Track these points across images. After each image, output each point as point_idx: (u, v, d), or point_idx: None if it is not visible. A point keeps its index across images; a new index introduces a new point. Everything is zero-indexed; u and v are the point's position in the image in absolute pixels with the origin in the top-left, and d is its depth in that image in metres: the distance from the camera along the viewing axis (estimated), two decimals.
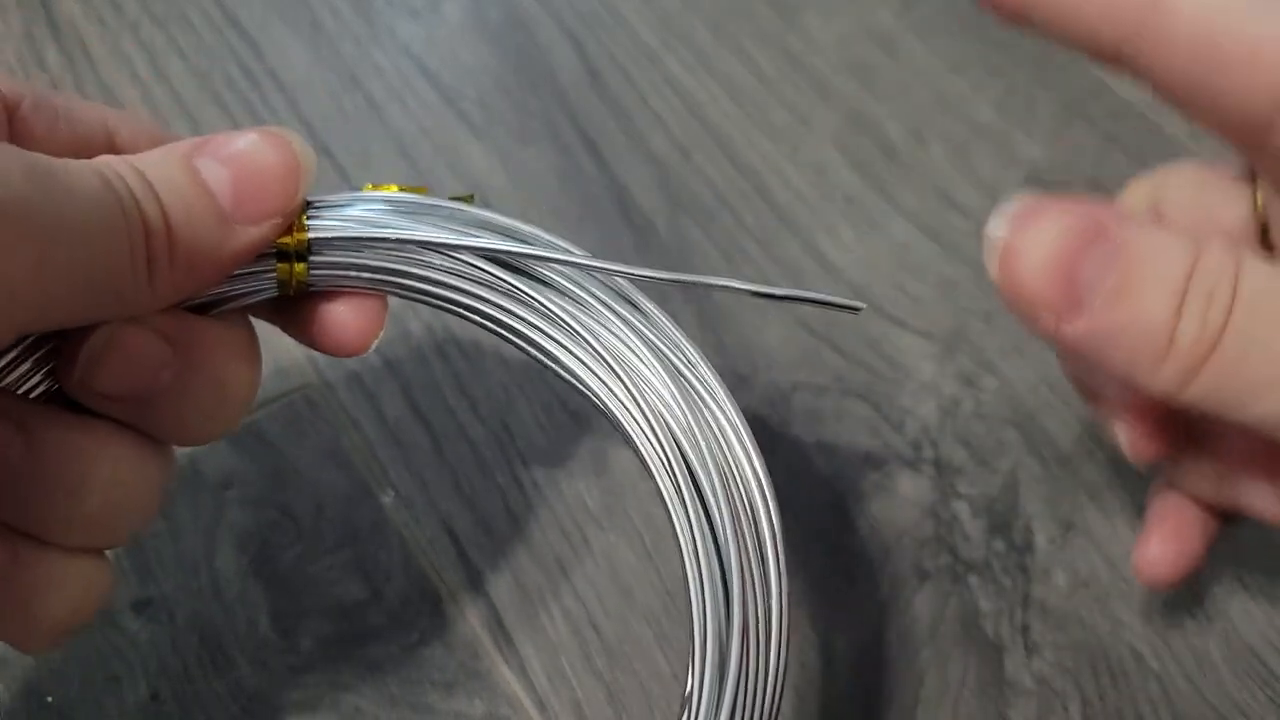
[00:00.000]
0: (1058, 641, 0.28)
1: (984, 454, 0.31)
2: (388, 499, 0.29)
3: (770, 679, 0.20)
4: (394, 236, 0.21)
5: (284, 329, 0.22)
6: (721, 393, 0.22)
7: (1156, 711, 0.27)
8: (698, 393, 0.22)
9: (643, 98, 0.38)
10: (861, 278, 0.34)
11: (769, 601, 0.20)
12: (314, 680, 0.27)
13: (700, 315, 0.33)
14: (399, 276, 0.22)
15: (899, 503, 0.30)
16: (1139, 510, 0.30)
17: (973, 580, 0.29)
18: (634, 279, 0.22)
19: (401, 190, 0.22)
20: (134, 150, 0.20)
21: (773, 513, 0.21)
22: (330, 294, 0.21)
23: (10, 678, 0.26)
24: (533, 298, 0.22)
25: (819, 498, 0.30)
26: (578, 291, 0.22)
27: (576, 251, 0.22)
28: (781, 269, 0.34)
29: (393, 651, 0.27)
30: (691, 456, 0.21)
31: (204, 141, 0.19)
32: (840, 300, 0.22)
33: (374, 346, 0.22)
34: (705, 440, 0.21)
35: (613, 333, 0.22)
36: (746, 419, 0.21)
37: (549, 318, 0.22)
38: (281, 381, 0.31)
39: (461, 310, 0.22)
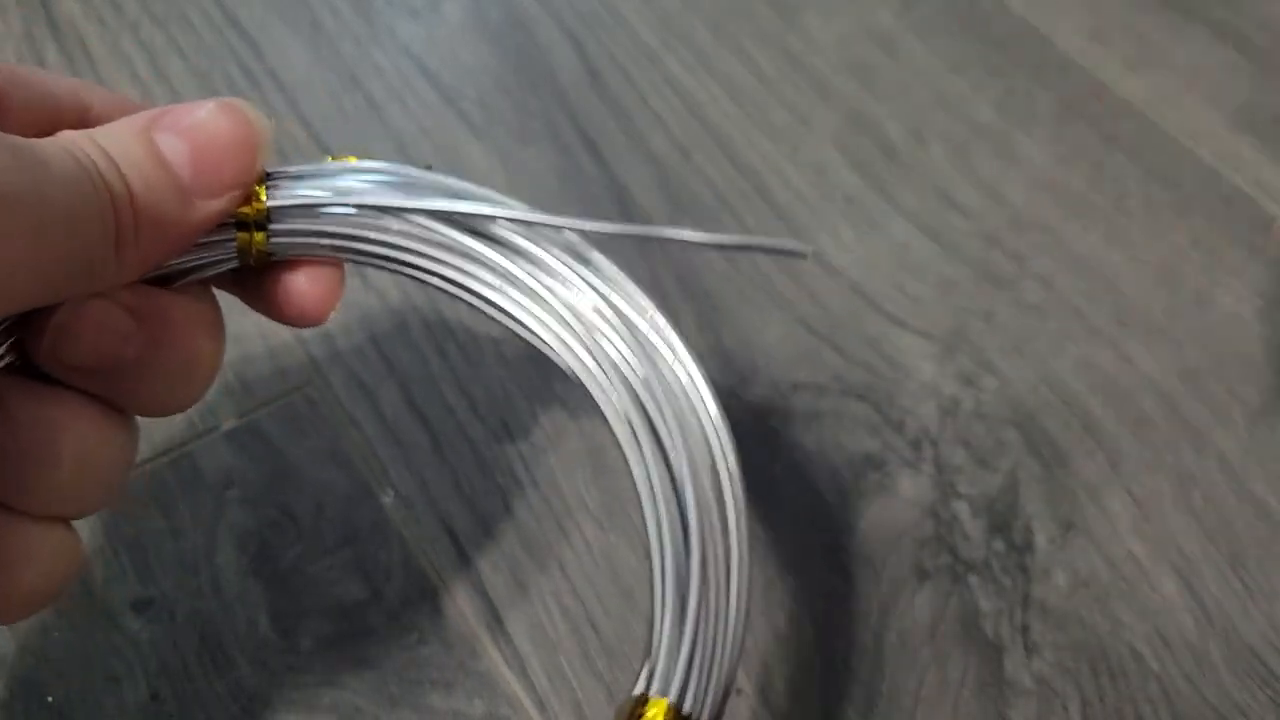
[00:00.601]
0: (1057, 641, 0.28)
1: (984, 454, 0.31)
2: (387, 499, 0.29)
3: (732, 618, 0.20)
4: (351, 202, 0.21)
5: (246, 301, 0.22)
6: (677, 340, 0.22)
7: (1156, 711, 0.27)
8: (651, 340, 0.22)
9: (643, 98, 0.38)
10: (861, 277, 0.34)
11: (729, 541, 0.20)
12: (314, 680, 0.27)
13: (700, 316, 0.33)
14: (357, 242, 0.22)
15: (899, 502, 0.30)
16: (1139, 510, 0.30)
17: (973, 580, 0.29)
18: (585, 233, 0.23)
19: (360, 160, 0.22)
20: (107, 121, 0.20)
21: (729, 455, 0.21)
22: (289, 265, 0.22)
23: (10, 677, 0.26)
24: (487, 256, 0.22)
25: (819, 497, 0.30)
26: (533, 249, 0.22)
27: (527, 208, 0.22)
28: (781, 268, 0.34)
29: (392, 651, 0.27)
30: (647, 402, 0.21)
31: (161, 114, 0.19)
32: (788, 245, 0.22)
33: (331, 316, 0.22)
34: (661, 386, 0.21)
35: (567, 285, 0.22)
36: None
37: (503, 275, 0.22)
38: (281, 381, 0.31)
39: (418, 273, 0.23)
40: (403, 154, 0.36)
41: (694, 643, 0.19)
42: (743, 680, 0.27)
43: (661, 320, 0.22)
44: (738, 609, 0.20)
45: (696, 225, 0.35)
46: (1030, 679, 0.27)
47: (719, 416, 0.21)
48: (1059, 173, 0.37)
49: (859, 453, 0.31)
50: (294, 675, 0.27)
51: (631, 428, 0.21)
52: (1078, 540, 0.30)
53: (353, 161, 0.22)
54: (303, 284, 0.22)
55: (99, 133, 0.19)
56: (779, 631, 0.28)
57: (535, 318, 0.22)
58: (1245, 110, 0.38)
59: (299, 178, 0.22)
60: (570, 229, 0.22)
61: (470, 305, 0.23)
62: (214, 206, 0.19)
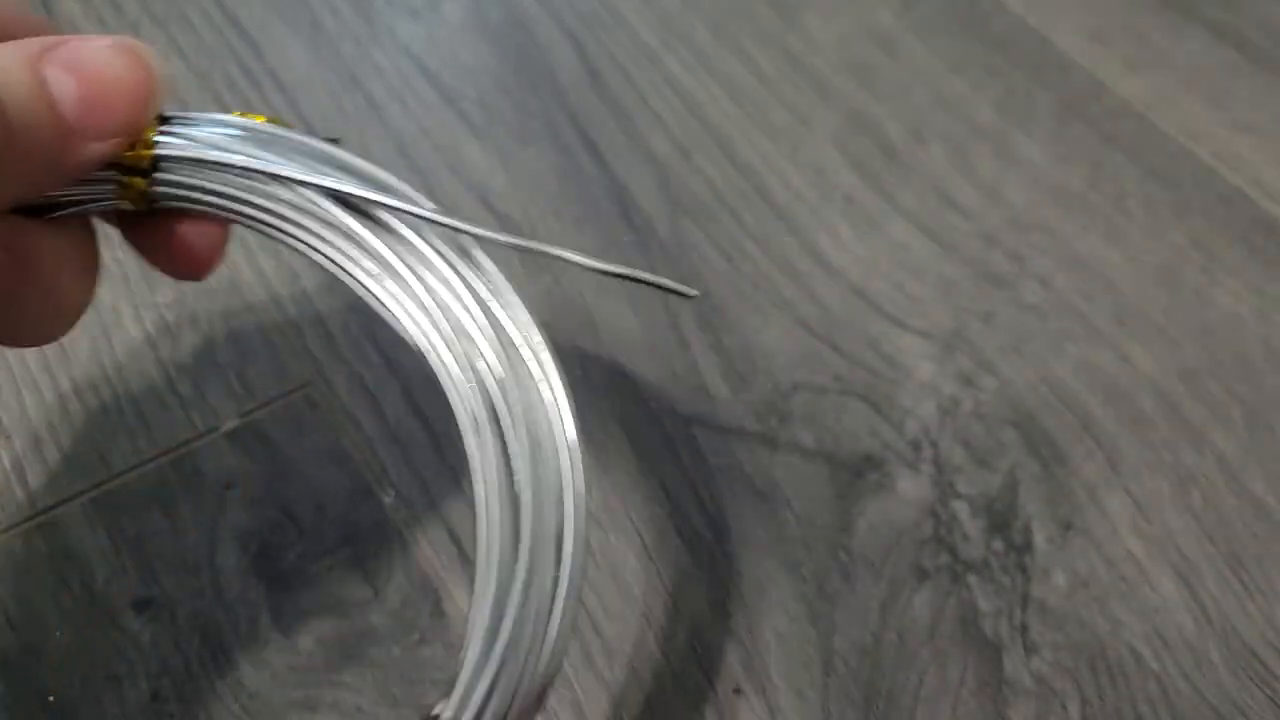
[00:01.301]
0: (1057, 641, 0.28)
1: (983, 454, 0.31)
2: (388, 498, 0.30)
3: (546, 654, 0.20)
4: (240, 164, 0.21)
5: (132, 245, 0.22)
6: (549, 359, 0.21)
7: (1155, 711, 0.27)
8: (523, 355, 0.21)
9: (643, 98, 0.38)
10: (861, 277, 0.34)
11: (560, 571, 0.20)
12: (315, 679, 0.27)
13: (700, 316, 0.33)
14: (242, 205, 0.21)
15: (898, 502, 0.30)
16: (1138, 510, 0.30)
17: (972, 580, 0.29)
18: (479, 238, 0.22)
19: (267, 121, 0.22)
20: (12, 35, 0.19)
21: (578, 483, 0.21)
22: (176, 216, 0.21)
23: (11, 677, 0.26)
24: (369, 243, 0.22)
25: (818, 497, 0.30)
26: (419, 244, 0.22)
27: (422, 201, 0.22)
28: (781, 269, 0.34)
29: (393, 651, 0.27)
30: (503, 415, 0.21)
31: (56, 44, 0.18)
32: (673, 285, 0.22)
33: (211, 274, 0.22)
34: (522, 402, 0.21)
35: (447, 286, 0.22)
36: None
37: (383, 264, 0.22)
38: (282, 381, 0.31)
39: (300, 245, 0.22)
40: (403, 154, 0.36)
41: (499, 672, 0.19)
42: (741, 679, 0.27)
43: (538, 336, 0.22)
44: (555, 644, 0.20)
45: (696, 225, 0.35)
46: (1030, 678, 0.27)
47: (575, 443, 0.21)
48: (1058, 173, 0.37)
49: (858, 452, 0.31)
50: (295, 675, 0.27)
51: (480, 437, 0.21)
52: (1077, 540, 0.30)
53: (258, 121, 0.22)
54: (185, 237, 0.21)
55: None
56: (778, 630, 0.28)
57: (407, 313, 0.22)
58: (1245, 110, 0.38)
59: (197, 125, 0.21)
60: (461, 230, 0.22)
61: (347, 286, 0.22)
62: (95, 150, 0.19)
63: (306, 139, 0.22)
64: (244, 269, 0.34)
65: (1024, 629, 0.28)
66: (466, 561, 0.29)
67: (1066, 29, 0.41)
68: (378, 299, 0.22)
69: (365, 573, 0.28)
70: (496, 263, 0.22)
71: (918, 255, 0.35)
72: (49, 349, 0.32)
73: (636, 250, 0.35)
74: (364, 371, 0.32)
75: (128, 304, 0.33)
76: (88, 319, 0.33)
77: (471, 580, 0.28)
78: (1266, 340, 0.33)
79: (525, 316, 0.22)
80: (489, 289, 0.22)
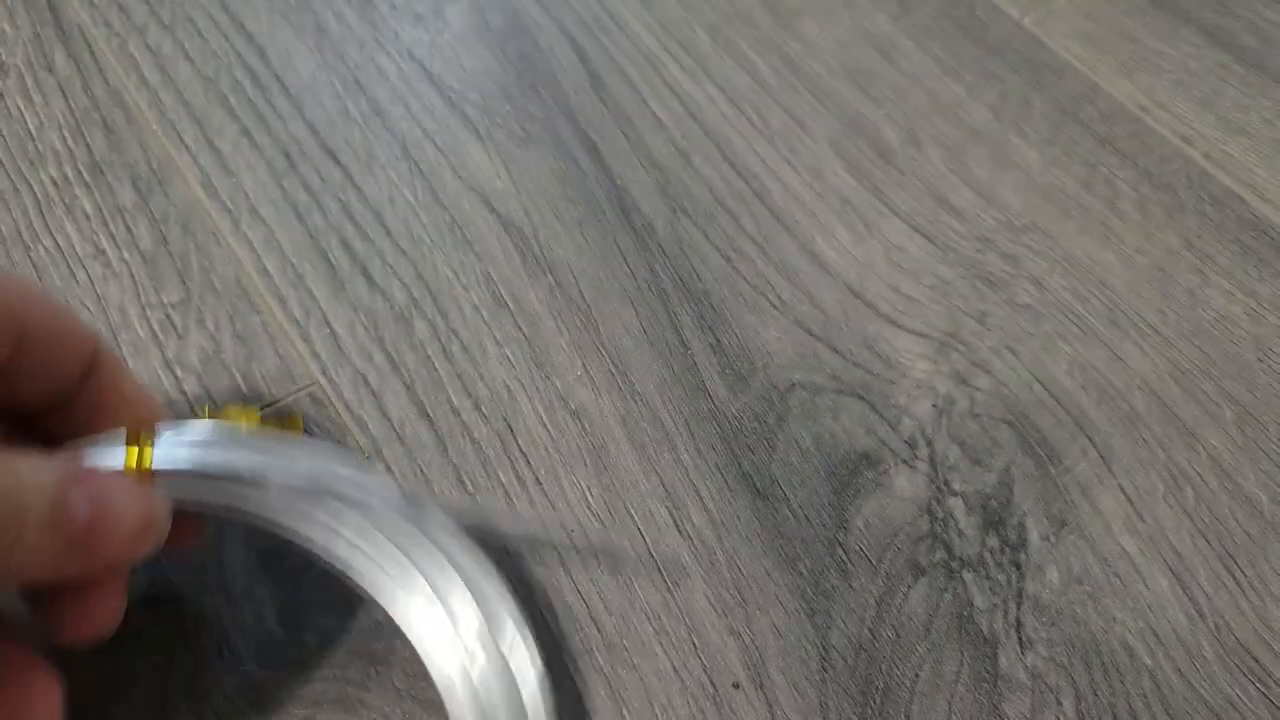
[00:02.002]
0: (1051, 637, 0.28)
1: (978, 452, 0.31)
2: None
3: None
4: (221, 473, 0.24)
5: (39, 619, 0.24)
6: (526, 660, 0.25)
7: (1149, 706, 0.27)
8: (503, 652, 0.25)
9: (643, 101, 0.39)
10: (858, 278, 0.35)
11: None
12: (320, 675, 0.27)
13: (699, 316, 0.34)
14: (223, 509, 0.25)
15: (894, 500, 0.30)
16: (1131, 507, 0.31)
17: (967, 576, 0.29)
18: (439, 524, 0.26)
19: (233, 418, 0.25)
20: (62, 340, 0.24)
21: None
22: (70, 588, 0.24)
23: None
24: (341, 530, 0.25)
25: (816, 494, 0.30)
26: (394, 526, 0.26)
27: (388, 494, 0.25)
28: (779, 269, 0.35)
29: (397, 646, 0.27)
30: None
31: (87, 474, 0.22)
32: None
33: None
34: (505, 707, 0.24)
35: (420, 570, 0.25)
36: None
37: (355, 548, 0.25)
38: (288, 381, 0.31)
39: (285, 534, 0.25)
40: (406, 157, 0.37)
41: None
42: (740, 674, 0.27)
43: (517, 637, 0.25)
44: None
45: (695, 227, 0.35)
46: (1025, 674, 0.28)
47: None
48: (1053, 175, 0.37)
49: (855, 450, 0.31)
50: (300, 670, 0.27)
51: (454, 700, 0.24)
52: (1071, 537, 0.30)
53: (231, 422, 0.25)
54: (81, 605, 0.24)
55: (24, 463, 0.21)
56: (776, 626, 0.28)
57: (386, 593, 0.25)
58: (1237, 112, 0.39)
59: (181, 433, 0.24)
60: (417, 518, 0.25)
61: (333, 569, 0.25)
62: (88, 565, 0.22)
63: (264, 443, 0.25)
64: (248, 269, 0.34)
65: (1019, 625, 0.28)
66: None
67: (1061, 33, 0.41)
68: (354, 569, 0.25)
69: None
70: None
71: (914, 256, 0.35)
72: None
73: (636, 251, 0.35)
74: (368, 371, 0.32)
75: (134, 304, 0.33)
76: (95, 318, 0.33)
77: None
78: (1259, 340, 0.34)
79: (507, 618, 0.25)
80: (474, 588, 0.25)
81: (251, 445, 0.25)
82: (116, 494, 0.22)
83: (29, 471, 0.21)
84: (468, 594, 0.25)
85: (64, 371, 0.24)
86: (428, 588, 0.25)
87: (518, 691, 0.25)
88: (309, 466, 0.25)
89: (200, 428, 0.24)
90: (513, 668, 0.25)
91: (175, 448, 0.24)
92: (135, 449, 0.24)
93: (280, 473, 0.25)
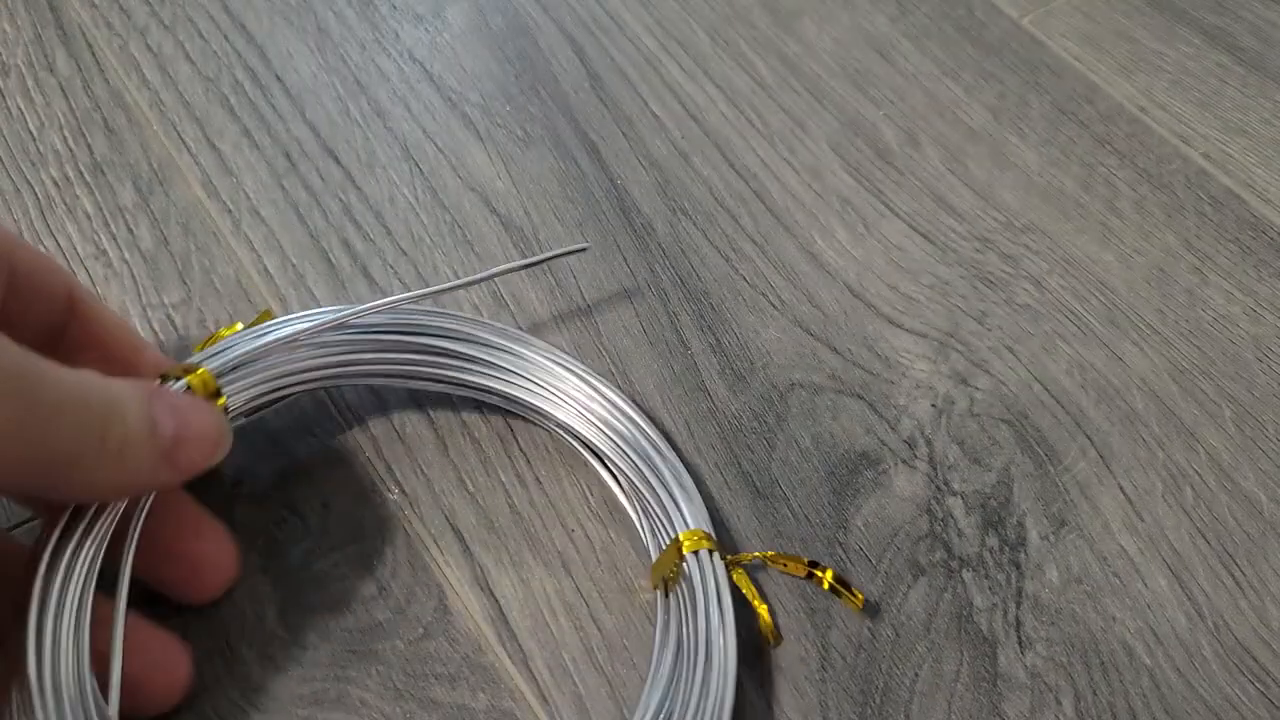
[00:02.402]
0: (1051, 636, 0.28)
1: (977, 451, 0.31)
2: (393, 495, 0.30)
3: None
4: (273, 339, 0.27)
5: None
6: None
7: (1149, 706, 0.27)
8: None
9: (643, 102, 0.39)
10: (857, 278, 0.35)
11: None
12: (320, 675, 0.27)
13: (699, 316, 0.34)
14: (295, 374, 0.28)
15: (894, 500, 0.30)
16: (1131, 507, 0.31)
17: (967, 576, 0.29)
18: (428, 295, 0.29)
19: (251, 325, 0.28)
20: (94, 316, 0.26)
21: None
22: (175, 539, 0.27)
23: None
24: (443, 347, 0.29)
25: (815, 494, 0.30)
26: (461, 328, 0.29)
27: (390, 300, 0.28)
28: (778, 270, 0.35)
29: (397, 646, 0.28)
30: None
31: (163, 390, 0.24)
32: (565, 250, 0.32)
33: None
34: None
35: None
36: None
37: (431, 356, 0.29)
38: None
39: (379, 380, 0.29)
40: (407, 157, 0.37)
41: None
42: (740, 673, 0.28)
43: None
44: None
45: (695, 227, 0.35)
46: (1024, 673, 0.28)
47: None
48: (1051, 175, 0.37)
49: (854, 450, 0.31)
50: (300, 670, 0.27)
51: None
52: (1070, 537, 0.30)
53: (246, 326, 0.28)
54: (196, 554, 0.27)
55: (122, 386, 0.22)
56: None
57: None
58: (1236, 112, 0.39)
59: (229, 349, 0.27)
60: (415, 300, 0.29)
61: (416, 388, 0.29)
62: (176, 478, 0.23)
63: (278, 322, 0.28)
64: (249, 269, 0.34)
65: (1018, 624, 0.28)
66: (470, 557, 0.29)
67: (1059, 33, 0.41)
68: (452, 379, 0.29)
69: (370, 569, 0.29)
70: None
71: (913, 256, 0.35)
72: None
73: (636, 251, 0.35)
74: None
75: (135, 304, 0.33)
76: None
77: (474, 575, 0.29)
78: (1258, 340, 0.34)
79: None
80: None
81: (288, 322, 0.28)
82: (191, 408, 0.24)
83: (118, 388, 0.22)
84: None
85: (51, 309, 0.25)
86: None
87: None
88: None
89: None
90: None
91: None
92: (197, 373, 0.26)
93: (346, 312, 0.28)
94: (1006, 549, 0.30)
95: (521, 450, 0.31)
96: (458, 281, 0.29)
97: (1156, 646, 0.28)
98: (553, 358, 0.29)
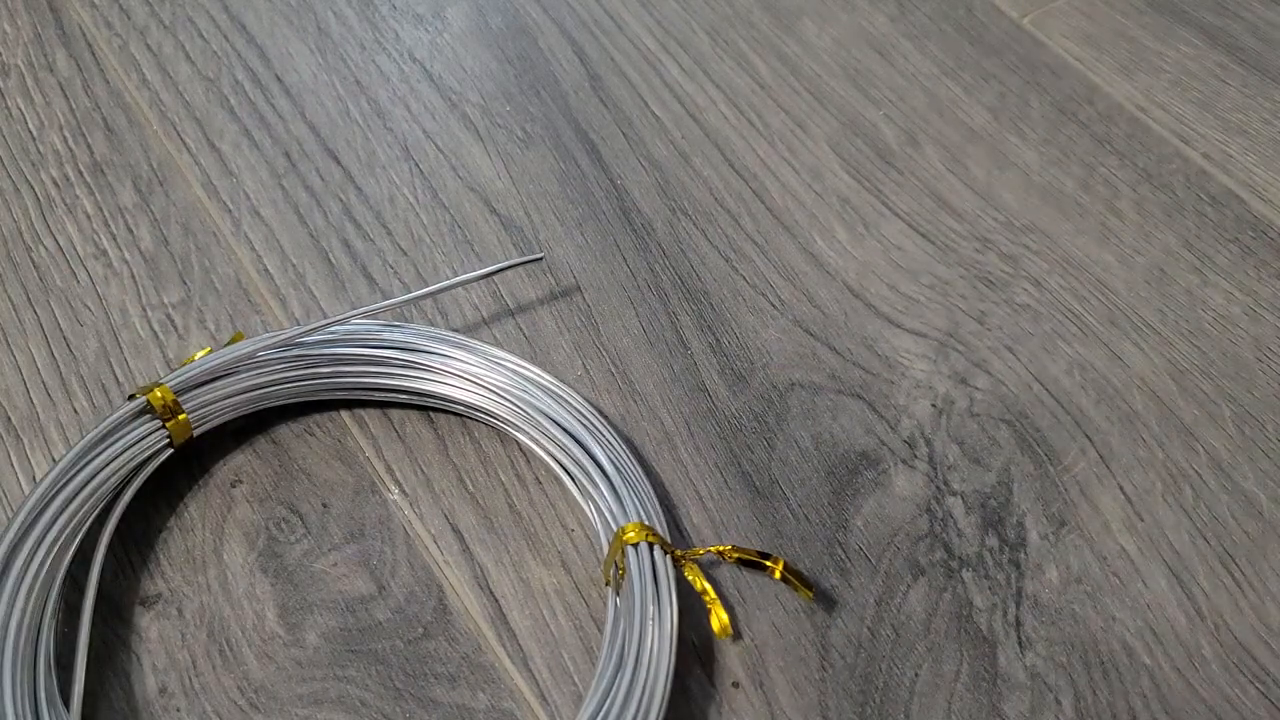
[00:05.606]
0: (1050, 636, 0.28)
1: (977, 451, 0.31)
2: (393, 495, 0.30)
3: None
4: (240, 353, 0.29)
5: None
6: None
7: (1148, 705, 0.27)
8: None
9: (643, 102, 0.39)
10: (857, 278, 0.35)
11: None
12: (320, 674, 0.27)
13: (699, 316, 0.34)
14: (258, 389, 0.29)
15: (894, 499, 0.30)
16: (1130, 507, 0.31)
17: (966, 576, 0.29)
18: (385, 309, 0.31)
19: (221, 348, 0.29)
20: None
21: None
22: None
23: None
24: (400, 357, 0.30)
25: (815, 494, 0.30)
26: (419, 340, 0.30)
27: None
28: (778, 270, 0.35)
29: (397, 645, 0.28)
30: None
31: None
32: (520, 260, 0.33)
33: None
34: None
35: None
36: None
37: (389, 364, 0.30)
38: None
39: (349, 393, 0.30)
40: (408, 157, 0.37)
41: None
42: (739, 673, 0.28)
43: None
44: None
45: (695, 227, 0.35)
46: (1024, 673, 0.28)
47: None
48: (1051, 175, 0.37)
49: (855, 450, 0.31)
50: (300, 669, 0.27)
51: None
52: (1070, 536, 0.30)
53: (216, 349, 0.29)
54: None
55: None
56: (776, 625, 0.28)
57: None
58: (1235, 113, 0.39)
59: (197, 366, 0.29)
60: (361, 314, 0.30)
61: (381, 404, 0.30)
62: None
63: (248, 343, 0.30)
64: (249, 269, 0.34)
65: (1018, 624, 0.28)
66: (469, 557, 0.29)
67: (1059, 33, 0.41)
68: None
69: (370, 569, 0.29)
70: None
71: (913, 256, 0.35)
72: (58, 350, 0.32)
73: (636, 251, 0.35)
74: None
75: (135, 304, 0.33)
76: (96, 318, 0.33)
77: (474, 574, 0.29)
78: (1257, 339, 0.34)
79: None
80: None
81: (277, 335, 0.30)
82: None
83: None
84: None
85: None
86: None
87: None
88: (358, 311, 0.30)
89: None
90: None
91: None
92: (154, 392, 0.28)
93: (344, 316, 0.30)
94: (1006, 549, 0.30)
95: (521, 450, 0.31)
96: (400, 298, 0.31)
97: (1156, 646, 0.28)
98: (490, 356, 0.30)
